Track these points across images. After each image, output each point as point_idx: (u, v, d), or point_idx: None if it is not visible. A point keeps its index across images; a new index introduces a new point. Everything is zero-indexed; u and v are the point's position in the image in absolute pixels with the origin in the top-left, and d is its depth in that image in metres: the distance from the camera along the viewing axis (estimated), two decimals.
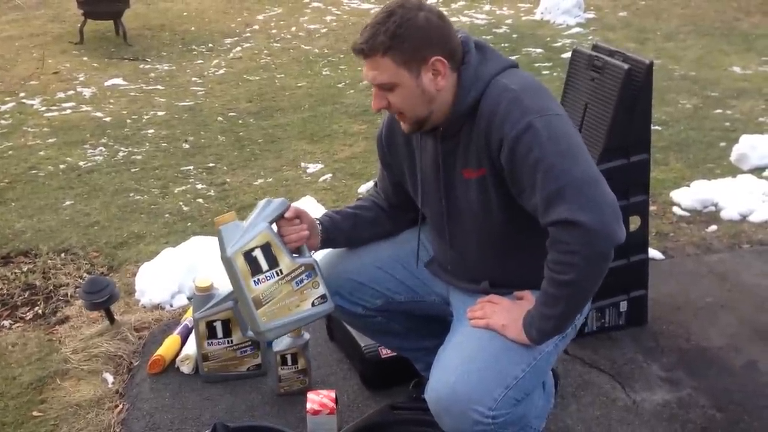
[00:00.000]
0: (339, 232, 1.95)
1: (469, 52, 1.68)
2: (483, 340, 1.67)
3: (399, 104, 1.66)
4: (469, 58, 1.67)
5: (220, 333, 2.31)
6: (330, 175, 4.18)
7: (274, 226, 1.82)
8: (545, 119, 1.57)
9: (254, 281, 1.77)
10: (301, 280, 1.81)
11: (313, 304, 1.84)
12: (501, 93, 1.62)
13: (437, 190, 1.79)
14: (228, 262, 1.77)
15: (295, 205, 1.87)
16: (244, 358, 2.37)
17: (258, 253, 1.77)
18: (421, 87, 1.64)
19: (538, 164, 1.55)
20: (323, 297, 1.84)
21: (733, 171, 4.02)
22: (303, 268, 1.81)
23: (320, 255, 2.07)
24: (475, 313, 1.74)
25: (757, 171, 3.99)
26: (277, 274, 1.79)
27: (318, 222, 1.92)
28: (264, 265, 1.78)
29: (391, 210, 2.03)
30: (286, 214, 1.81)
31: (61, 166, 4.43)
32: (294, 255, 1.83)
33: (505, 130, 1.58)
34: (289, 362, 2.27)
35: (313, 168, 4.31)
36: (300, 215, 1.85)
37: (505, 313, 1.71)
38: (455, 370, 1.61)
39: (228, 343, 2.33)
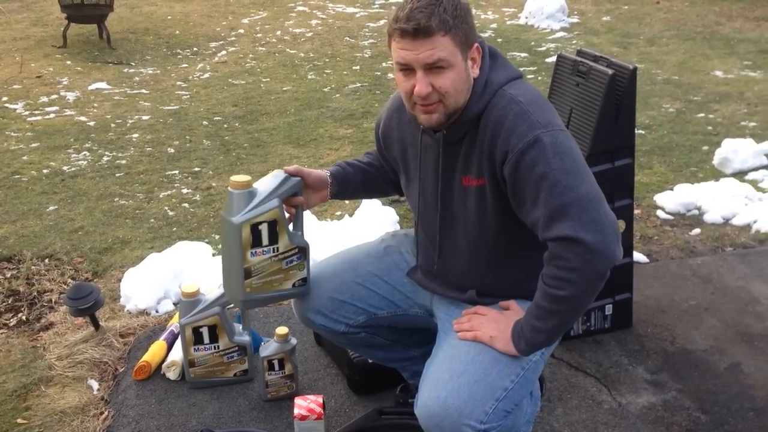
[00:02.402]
0: (348, 183, 1.98)
1: (483, 58, 1.67)
2: (471, 354, 1.66)
3: (447, 87, 1.58)
4: (483, 64, 1.66)
5: (206, 339, 2.30)
6: None
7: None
8: (552, 134, 1.57)
9: (251, 252, 1.82)
10: (291, 261, 1.88)
11: (293, 285, 1.92)
12: (507, 104, 1.62)
13: (434, 195, 1.78)
14: (235, 229, 1.79)
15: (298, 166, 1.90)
16: (230, 364, 2.37)
17: (264, 228, 1.81)
18: (467, 71, 1.62)
19: (542, 179, 1.55)
20: (304, 280, 1.93)
21: (716, 175, 4.07)
22: (297, 249, 1.88)
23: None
24: (462, 325, 1.74)
25: (740, 174, 4.04)
26: (273, 251, 1.85)
27: (328, 173, 1.94)
28: (265, 240, 1.82)
29: (394, 176, 2.01)
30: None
31: (45, 171, 4.40)
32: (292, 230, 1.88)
33: (511, 142, 1.58)
34: (276, 367, 2.27)
35: None
36: (306, 176, 1.88)
37: (492, 325, 1.70)
38: (445, 385, 1.60)
39: (215, 348, 2.32)
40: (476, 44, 1.64)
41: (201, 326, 2.29)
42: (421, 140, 1.78)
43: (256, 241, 1.81)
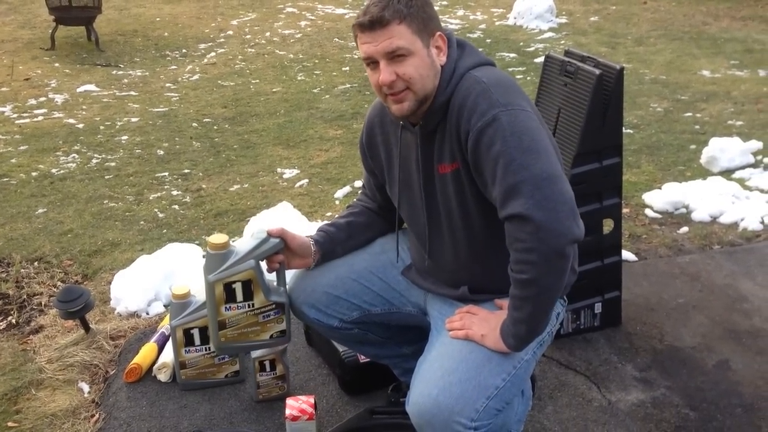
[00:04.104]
0: (336, 244, 1.98)
1: (451, 47, 1.71)
2: (463, 352, 1.67)
3: (411, 73, 1.63)
4: (451, 53, 1.70)
5: (197, 340, 2.30)
6: (306, 180, 4.18)
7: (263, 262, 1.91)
8: (511, 113, 1.59)
9: (225, 307, 1.90)
10: (268, 315, 1.94)
11: (271, 336, 1.97)
12: (471, 85, 1.65)
13: (419, 189, 1.80)
14: (208, 286, 1.88)
15: (284, 226, 1.92)
16: (221, 366, 2.37)
17: (237, 286, 1.88)
18: (431, 58, 1.66)
19: (498, 157, 1.57)
20: (283, 332, 1.97)
21: (703, 173, 4.10)
22: (274, 306, 1.93)
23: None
24: (454, 324, 1.75)
25: (727, 173, 4.07)
26: (249, 306, 1.91)
27: (312, 241, 1.94)
28: (239, 297, 1.89)
29: (382, 211, 2.04)
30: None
31: (34, 174, 4.38)
32: (272, 282, 1.93)
33: (472, 121, 1.61)
34: (268, 368, 2.27)
35: (289, 173, 4.31)
36: (289, 240, 1.90)
37: (483, 323, 1.71)
38: (437, 383, 1.61)
39: (206, 350, 2.32)
40: (439, 33, 1.68)
41: (192, 328, 2.29)
42: (401, 137, 1.80)
43: (230, 298, 1.89)
